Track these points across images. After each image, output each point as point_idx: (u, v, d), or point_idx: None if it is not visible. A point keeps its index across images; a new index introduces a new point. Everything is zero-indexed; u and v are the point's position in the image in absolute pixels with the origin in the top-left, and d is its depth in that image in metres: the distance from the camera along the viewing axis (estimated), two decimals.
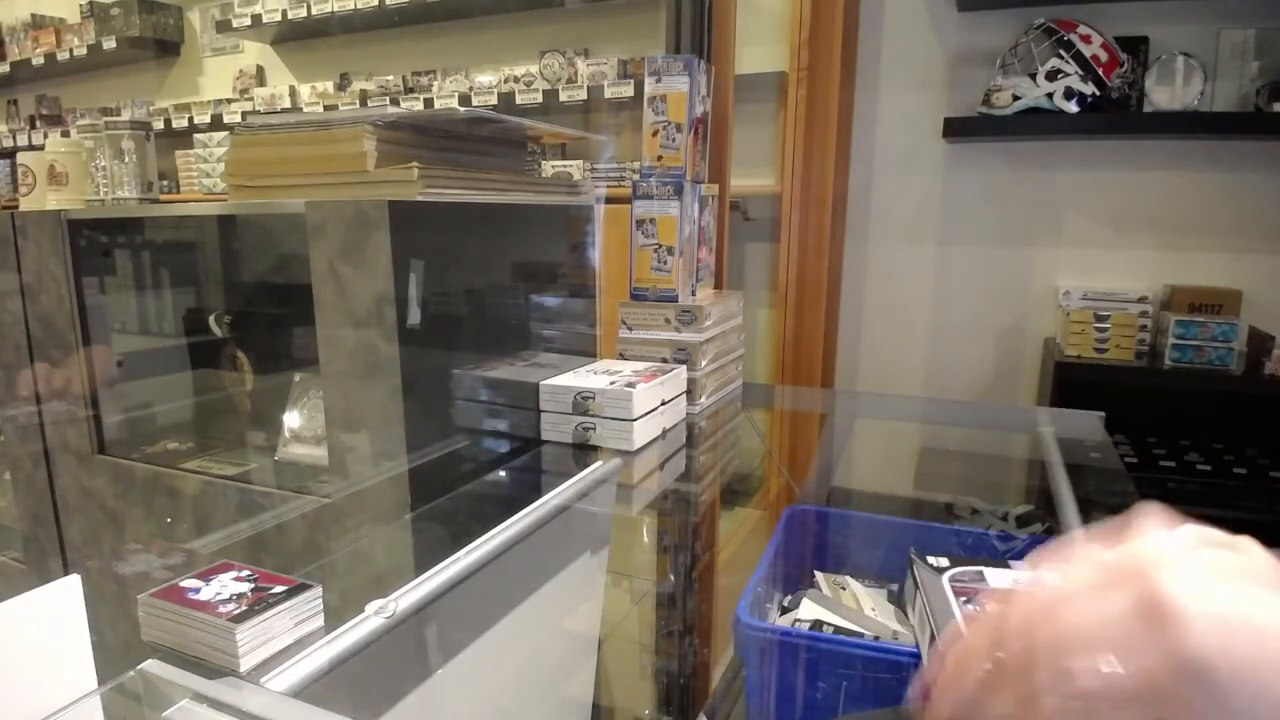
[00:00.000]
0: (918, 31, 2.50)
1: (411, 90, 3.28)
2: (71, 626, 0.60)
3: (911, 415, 1.78)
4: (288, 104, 3.55)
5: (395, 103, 3.26)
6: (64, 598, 0.60)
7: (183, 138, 3.66)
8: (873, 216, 2.66)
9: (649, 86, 1.38)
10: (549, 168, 2.87)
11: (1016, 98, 2.20)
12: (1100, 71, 2.13)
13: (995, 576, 0.71)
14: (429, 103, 3.17)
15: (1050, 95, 2.16)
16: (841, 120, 2.42)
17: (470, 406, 1.20)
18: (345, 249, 1.07)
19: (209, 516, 1.38)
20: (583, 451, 1.18)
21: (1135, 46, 2.22)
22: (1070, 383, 2.16)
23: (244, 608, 0.61)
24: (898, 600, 1.05)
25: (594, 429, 1.17)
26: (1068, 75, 2.14)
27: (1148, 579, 0.29)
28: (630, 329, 1.39)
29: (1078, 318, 2.21)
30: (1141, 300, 2.23)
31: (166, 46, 3.93)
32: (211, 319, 1.68)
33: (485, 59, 3.20)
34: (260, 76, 3.80)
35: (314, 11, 3.24)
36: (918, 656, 0.77)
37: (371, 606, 0.70)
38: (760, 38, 2.59)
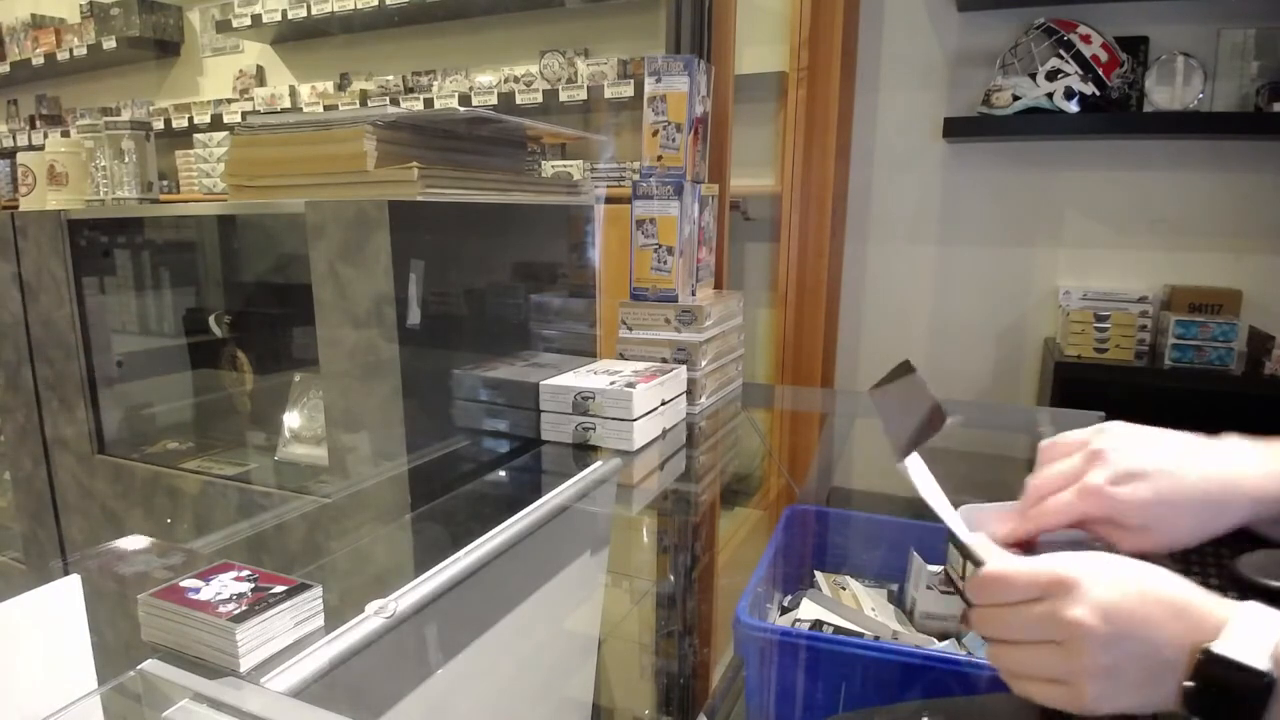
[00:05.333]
0: (918, 31, 2.50)
1: (411, 90, 3.28)
2: (71, 626, 0.60)
3: None
4: (288, 104, 3.55)
5: (395, 103, 3.26)
6: (64, 598, 0.60)
7: (183, 138, 3.66)
8: (873, 216, 2.66)
9: (649, 86, 1.38)
10: (549, 168, 2.87)
11: (1016, 98, 2.20)
12: (1100, 71, 2.13)
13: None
14: (429, 103, 3.17)
15: (1050, 95, 2.16)
16: (841, 120, 2.42)
17: (470, 406, 1.20)
18: (345, 249, 1.07)
19: (209, 516, 1.38)
20: (583, 451, 1.18)
21: (1135, 46, 2.22)
22: (1070, 383, 2.16)
23: (244, 608, 0.61)
24: (898, 600, 1.05)
25: (594, 429, 1.17)
26: (1068, 75, 2.14)
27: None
28: (630, 329, 1.39)
29: (1078, 318, 2.21)
30: (1141, 300, 2.23)
31: (166, 46, 3.93)
32: (211, 319, 1.68)
33: (485, 59, 3.20)
34: (260, 76, 3.80)
35: (314, 11, 3.24)
36: (917, 656, 0.77)
37: (371, 606, 0.70)
38: (760, 38, 2.59)
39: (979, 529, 0.60)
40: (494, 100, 3.00)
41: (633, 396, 1.14)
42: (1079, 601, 0.48)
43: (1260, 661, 0.44)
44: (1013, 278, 2.51)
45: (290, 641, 0.63)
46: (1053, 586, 0.49)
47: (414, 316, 1.07)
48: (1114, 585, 0.49)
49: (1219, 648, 0.45)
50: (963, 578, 0.56)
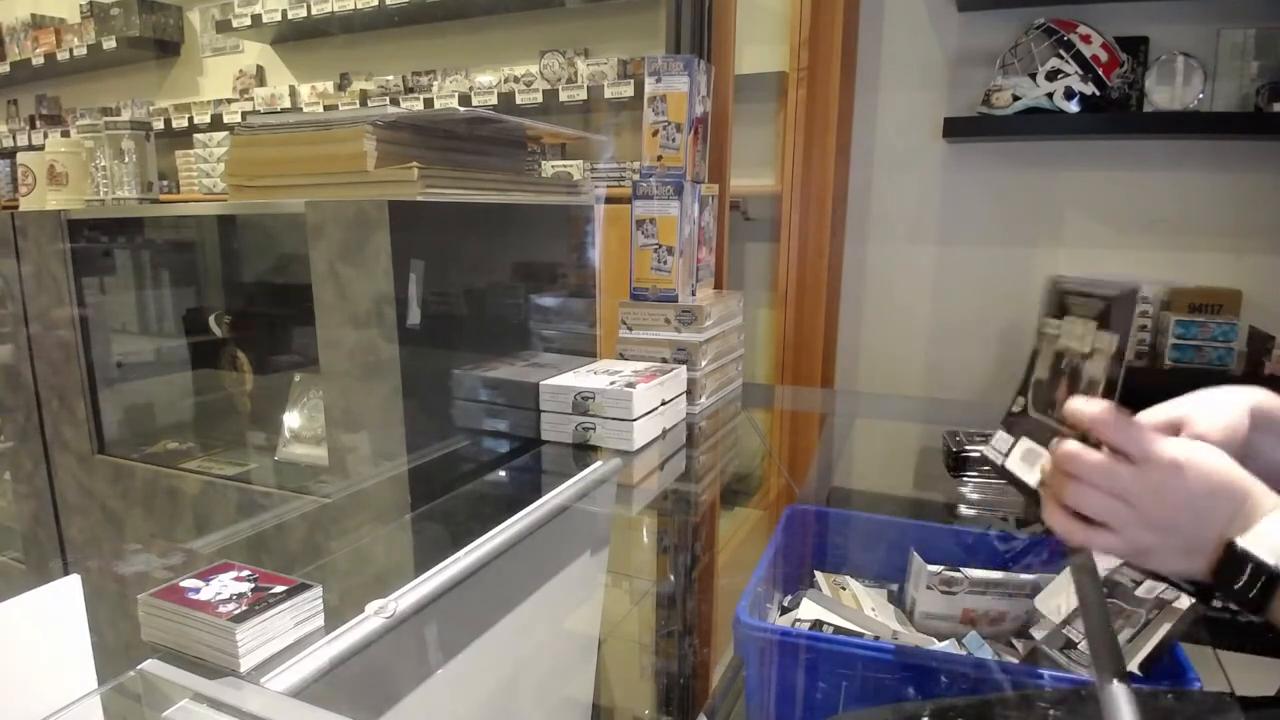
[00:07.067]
0: (918, 31, 2.50)
1: (411, 90, 3.28)
2: (71, 626, 0.60)
3: (911, 415, 1.78)
4: (288, 104, 3.55)
5: (395, 103, 3.26)
6: (64, 598, 0.60)
7: (183, 138, 3.66)
8: (873, 216, 2.66)
9: (649, 86, 1.38)
10: (549, 168, 2.87)
11: (1016, 98, 2.20)
12: (1100, 71, 2.13)
13: None
14: (429, 103, 3.17)
15: (1050, 95, 2.16)
16: (841, 120, 2.42)
17: (470, 406, 1.20)
18: (345, 249, 1.07)
19: (209, 516, 1.38)
20: (583, 451, 1.18)
21: (1135, 46, 2.22)
22: None
23: (244, 608, 0.61)
24: (898, 600, 1.05)
25: (594, 429, 1.17)
26: (1068, 75, 2.14)
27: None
28: (630, 329, 1.39)
29: None
30: (1141, 300, 2.23)
31: (166, 46, 3.93)
32: (211, 319, 1.68)
33: (485, 59, 3.20)
34: (260, 76, 3.80)
35: (314, 11, 3.24)
36: (917, 656, 0.77)
37: (371, 606, 0.70)
38: (760, 38, 2.59)
39: None
40: (494, 100, 3.00)
41: (633, 396, 1.14)
42: (1161, 469, 0.55)
43: (1271, 557, 0.52)
44: (1013, 278, 2.50)
45: (290, 641, 0.63)
46: (1152, 448, 0.56)
47: (414, 316, 1.07)
48: (1196, 467, 0.55)
49: (1242, 541, 0.53)
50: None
